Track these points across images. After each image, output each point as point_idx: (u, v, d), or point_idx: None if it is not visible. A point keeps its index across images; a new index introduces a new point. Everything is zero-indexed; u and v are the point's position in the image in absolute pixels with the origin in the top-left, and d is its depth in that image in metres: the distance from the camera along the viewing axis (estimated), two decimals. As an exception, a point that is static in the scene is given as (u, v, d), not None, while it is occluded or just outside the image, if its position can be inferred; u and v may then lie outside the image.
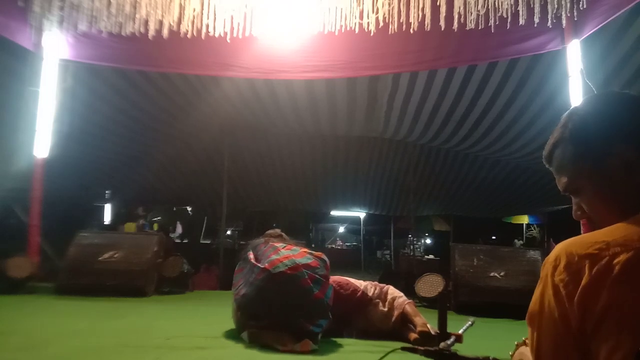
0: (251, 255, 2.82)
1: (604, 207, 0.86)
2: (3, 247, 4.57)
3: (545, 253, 5.34)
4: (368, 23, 4.12)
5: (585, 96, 0.94)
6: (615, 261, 0.68)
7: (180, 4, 4.21)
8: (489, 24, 4.01)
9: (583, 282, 0.69)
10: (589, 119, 0.90)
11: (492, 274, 4.65)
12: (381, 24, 4.11)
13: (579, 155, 0.89)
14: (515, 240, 15.69)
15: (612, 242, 0.71)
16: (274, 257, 2.67)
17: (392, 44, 4.43)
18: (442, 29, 4.05)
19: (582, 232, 3.94)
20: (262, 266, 2.62)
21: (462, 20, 4.01)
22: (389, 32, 4.13)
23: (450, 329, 2.53)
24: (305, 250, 2.87)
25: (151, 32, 4.23)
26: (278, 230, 3.22)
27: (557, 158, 0.94)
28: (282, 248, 2.80)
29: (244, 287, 2.66)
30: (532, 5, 3.96)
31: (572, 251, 0.74)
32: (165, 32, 4.23)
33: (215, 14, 4.21)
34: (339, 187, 10.81)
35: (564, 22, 4.06)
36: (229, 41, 4.30)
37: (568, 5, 3.89)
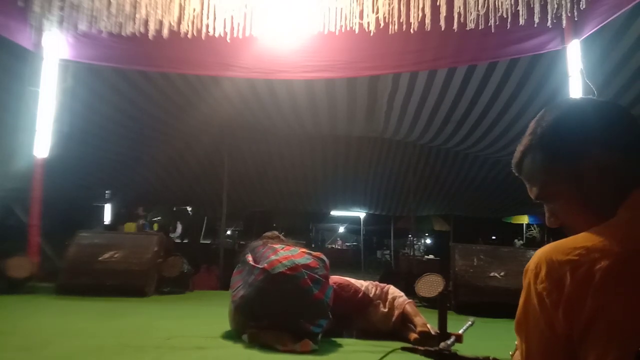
0: (249, 258, 2.81)
1: (579, 213, 0.85)
2: (3, 247, 4.57)
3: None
4: (368, 23, 4.12)
5: (551, 104, 0.93)
6: (596, 268, 0.68)
7: (180, 4, 4.21)
8: (489, 24, 4.01)
9: (566, 290, 0.69)
10: (558, 123, 0.88)
11: (492, 274, 4.65)
12: (381, 24, 4.11)
13: (551, 161, 0.87)
14: (515, 240, 15.68)
15: (592, 248, 0.70)
16: (272, 257, 2.67)
17: (392, 44, 4.43)
18: (442, 29, 4.06)
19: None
20: (261, 267, 2.61)
21: (462, 20, 4.01)
22: (389, 32, 4.13)
23: (450, 329, 2.53)
24: (304, 250, 2.87)
25: (151, 32, 4.23)
26: (276, 232, 3.22)
27: (527, 165, 0.92)
28: (281, 249, 2.80)
29: (243, 288, 2.66)
30: (532, 5, 3.96)
31: (551, 257, 0.73)
32: (165, 32, 4.23)
33: (215, 14, 4.21)
34: (339, 187, 10.81)
35: (564, 22, 4.06)
36: (229, 41, 4.30)
37: (568, 5, 3.90)
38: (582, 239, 0.74)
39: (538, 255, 0.76)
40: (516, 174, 0.97)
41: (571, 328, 0.68)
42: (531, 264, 0.76)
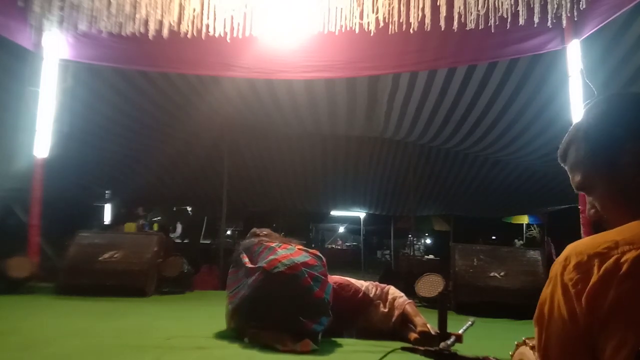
0: (245, 258, 2.81)
1: (616, 206, 0.87)
2: (3, 247, 4.57)
3: (543, 252, 5.34)
4: (368, 23, 4.12)
5: (601, 96, 0.94)
6: (624, 259, 0.68)
7: (180, 4, 4.21)
8: (489, 24, 4.01)
9: (592, 280, 0.70)
10: (602, 118, 0.90)
11: (492, 274, 4.65)
12: (381, 24, 4.11)
13: (592, 154, 0.89)
14: (516, 240, 15.67)
15: (621, 241, 0.71)
16: (271, 257, 2.66)
17: (392, 44, 4.43)
18: (442, 29, 4.05)
19: (582, 232, 3.94)
20: (261, 267, 2.61)
21: (462, 20, 4.01)
22: (389, 32, 4.13)
23: (450, 329, 2.53)
24: (301, 247, 2.87)
25: (151, 32, 4.23)
26: (265, 230, 3.18)
27: (571, 156, 0.95)
28: (279, 248, 2.80)
29: (242, 289, 2.65)
30: (532, 5, 3.96)
31: (581, 251, 0.74)
32: (165, 32, 4.23)
33: (215, 14, 4.21)
34: (339, 187, 10.81)
35: (564, 22, 4.06)
36: (229, 41, 4.30)
37: (568, 5, 3.90)
38: (613, 234, 0.75)
39: (568, 249, 0.77)
40: (561, 164, 0.99)
41: (593, 318, 0.69)
42: (560, 257, 0.77)
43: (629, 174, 0.83)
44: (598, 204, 0.91)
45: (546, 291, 0.78)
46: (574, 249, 0.76)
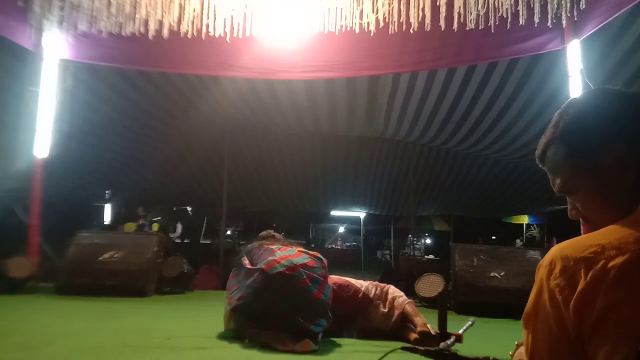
0: (246, 261, 2.81)
1: (598, 207, 0.85)
2: (3, 247, 4.57)
3: (543, 252, 5.34)
4: (368, 23, 4.12)
5: (578, 95, 0.92)
6: (610, 265, 0.67)
7: (180, 4, 4.22)
8: (489, 24, 4.01)
9: (579, 287, 0.68)
10: (580, 117, 0.88)
11: (492, 274, 4.65)
12: (381, 24, 4.11)
13: (572, 155, 0.87)
14: (517, 240, 15.67)
15: (607, 245, 0.70)
16: (270, 258, 2.67)
17: (392, 44, 4.43)
18: (442, 29, 4.06)
19: (582, 232, 3.94)
20: (259, 268, 2.61)
21: (462, 20, 4.01)
22: (389, 32, 4.13)
23: (450, 329, 2.53)
24: (301, 249, 2.87)
25: (151, 32, 4.23)
26: (271, 231, 3.22)
27: (549, 158, 0.92)
28: (278, 249, 2.81)
29: (241, 290, 2.66)
30: (532, 5, 3.97)
31: (567, 255, 0.72)
32: (165, 32, 4.23)
33: (215, 14, 4.22)
34: (339, 187, 10.81)
35: (564, 22, 4.06)
36: (228, 41, 4.30)
37: (568, 5, 3.90)
38: (598, 237, 0.73)
39: (553, 251, 0.75)
40: (540, 165, 0.96)
41: (581, 325, 0.68)
42: (545, 260, 0.76)
43: (611, 177, 0.82)
44: (580, 205, 0.89)
45: (532, 294, 0.77)
46: (559, 253, 0.74)
